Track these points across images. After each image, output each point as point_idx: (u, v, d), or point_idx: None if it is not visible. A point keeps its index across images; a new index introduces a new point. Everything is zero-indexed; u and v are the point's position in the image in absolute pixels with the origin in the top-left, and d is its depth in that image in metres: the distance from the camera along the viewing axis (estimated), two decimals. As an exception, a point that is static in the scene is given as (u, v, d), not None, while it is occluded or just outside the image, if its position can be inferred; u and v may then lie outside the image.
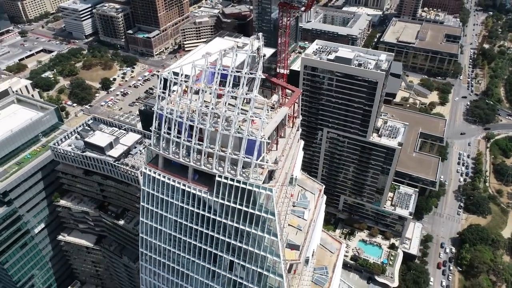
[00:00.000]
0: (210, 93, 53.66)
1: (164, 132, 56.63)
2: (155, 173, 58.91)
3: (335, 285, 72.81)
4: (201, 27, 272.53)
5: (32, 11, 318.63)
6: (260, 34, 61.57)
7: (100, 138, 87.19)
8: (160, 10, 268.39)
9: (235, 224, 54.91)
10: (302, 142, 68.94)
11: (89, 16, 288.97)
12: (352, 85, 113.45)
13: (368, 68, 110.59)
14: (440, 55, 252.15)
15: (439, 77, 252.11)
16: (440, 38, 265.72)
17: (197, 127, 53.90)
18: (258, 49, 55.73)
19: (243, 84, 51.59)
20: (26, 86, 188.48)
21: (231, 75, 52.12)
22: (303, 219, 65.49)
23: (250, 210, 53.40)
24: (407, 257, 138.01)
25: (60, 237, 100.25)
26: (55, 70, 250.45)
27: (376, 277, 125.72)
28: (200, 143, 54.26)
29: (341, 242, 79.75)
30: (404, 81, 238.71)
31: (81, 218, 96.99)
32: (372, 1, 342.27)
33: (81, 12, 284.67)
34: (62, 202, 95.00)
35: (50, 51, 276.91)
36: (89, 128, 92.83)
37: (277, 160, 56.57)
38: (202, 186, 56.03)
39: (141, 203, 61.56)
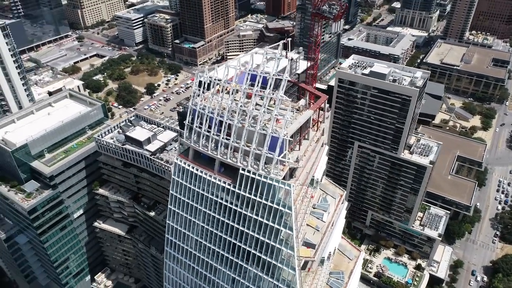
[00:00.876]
0: (241, 93, 57.98)
1: (196, 126, 61.39)
2: (185, 163, 63.63)
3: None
4: (244, 39, 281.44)
5: (90, 18, 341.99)
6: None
7: (139, 133, 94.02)
8: (207, 22, 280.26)
9: (254, 216, 58.23)
10: (327, 147, 71.45)
11: (140, 25, 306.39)
12: (385, 100, 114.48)
13: (403, 84, 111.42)
14: (486, 79, 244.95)
15: (484, 102, 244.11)
16: (487, 62, 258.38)
17: (226, 122, 58.24)
18: (286, 53, 59.22)
19: (270, 84, 55.45)
20: (78, 86, 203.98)
21: (260, 76, 56.21)
22: (322, 220, 67.58)
23: (269, 203, 56.59)
24: (434, 280, 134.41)
25: (96, 224, 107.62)
26: (105, 73, 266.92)
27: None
28: (228, 137, 58.45)
29: (360, 250, 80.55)
30: (445, 103, 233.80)
31: (116, 208, 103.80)
32: (418, 22, 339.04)
33: (133, 21, 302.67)
34: (101, 190, 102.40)
35: (102, 56, 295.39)
36: (130, 124, 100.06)
37: (299, 159, 59.61)
38: (227, 178, 60.00)
39: (170, 191, 66.37)
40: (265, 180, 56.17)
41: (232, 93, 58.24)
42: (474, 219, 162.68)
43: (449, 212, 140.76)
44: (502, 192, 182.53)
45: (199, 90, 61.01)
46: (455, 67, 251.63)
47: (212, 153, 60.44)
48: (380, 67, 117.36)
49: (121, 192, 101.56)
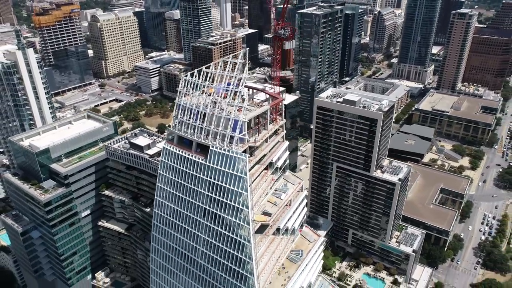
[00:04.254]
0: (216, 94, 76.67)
1: (180, 117, 79.76)
2: (171, 147, 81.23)
3: (306, 266, 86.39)
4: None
5: (112, 69, 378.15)
6: (298, 91, 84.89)
7: (141, 140, 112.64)
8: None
9: (220, 183, 74.23)
10: (287, 143, 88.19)
11: (157, 74, 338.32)
12: (357, 123, 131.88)
13: (371, 110, 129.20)
14: (475, 124, 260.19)
15: (473, 145, 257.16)
16: (476, 109, 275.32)
17: (201, 112, 76.55)
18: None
19: (233, 83, 74.18)
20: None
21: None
22: (280, 199, 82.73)
23: (231, 171, 72.84)
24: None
25: (100, 223, 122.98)
26: (122, 115, 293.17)
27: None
28: (202, 123, 76.40)
29: (319, 235, 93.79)
30: (435, 145, 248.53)
31: (118, 207, 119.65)
32: (414, 75, 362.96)
33: (151, 70, 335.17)
34: (107, 192, 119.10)
35: (120, 101, 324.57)
36: (135, 136, 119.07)
37: (256, 140, 76.65)
38: (201, 155, 76.98)
39: (159, 171, 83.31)
40: (228, 153, 73.03)
41: (209, 94, 77.10)
42: (456, 245, 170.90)
43: (424, 231, 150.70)
44: (487, 225, 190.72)
45: (185, 90, 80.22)
46: (445, 113, 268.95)
47: (191, 136, 78.16)
48: (352, 95, 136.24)
49: (123, 194, 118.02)
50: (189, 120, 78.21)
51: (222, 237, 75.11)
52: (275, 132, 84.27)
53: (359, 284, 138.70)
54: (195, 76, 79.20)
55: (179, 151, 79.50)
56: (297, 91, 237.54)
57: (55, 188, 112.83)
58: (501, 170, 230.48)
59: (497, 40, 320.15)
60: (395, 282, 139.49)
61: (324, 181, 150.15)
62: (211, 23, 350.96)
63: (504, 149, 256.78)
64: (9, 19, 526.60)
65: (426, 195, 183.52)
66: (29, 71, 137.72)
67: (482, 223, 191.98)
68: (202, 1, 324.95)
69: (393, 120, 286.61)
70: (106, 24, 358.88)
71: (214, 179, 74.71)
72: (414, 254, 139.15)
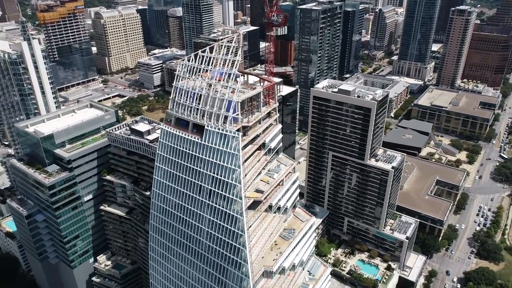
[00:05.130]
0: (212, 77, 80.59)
1: (177, 100, 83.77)
2: (169, 128, 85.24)
3: (298, 243, 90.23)
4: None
5: (115, 65, 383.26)
6: (297, 86, 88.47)
7: (141, 126, 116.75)
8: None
9: (215, 161, 78.10)
10: (280, 126, 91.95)
11: (159, 70, 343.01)
12: (352, 112, 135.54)
13: (365, 99, 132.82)
14: (473, 119, 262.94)
15: (471, 140, 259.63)
16: (474, 104, 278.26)
17: (197, 93, 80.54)
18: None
19: (227, 66, 78.07)
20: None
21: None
22: (273, 178, 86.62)
23: (225, 149, 76.75)
24: (406, 284, 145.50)
25: (102, 207, 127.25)
26: (124, 110, 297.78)
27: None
28: (198, 105, 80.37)
29: (311, 215, 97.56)
30: (432, 139, 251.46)
31: (119, 192, 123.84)
32: (414, 72, 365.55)
33: (153, 67, 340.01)
34: (108, 177, 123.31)
35: (123, 96, 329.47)
36: (136, 123, 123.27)
37: (249, 121, 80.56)
38: (197, 135, 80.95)
39: (157, 152, 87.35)
40: (222, 132, 76.95)
41: (205, 78, 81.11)
42: (451, 235, 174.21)
43: (418, 220, 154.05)
44: (482, 216, 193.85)
45: (182, 74, 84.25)
46: (443, 108, 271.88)
47: (187, 117, 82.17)
48: (347, 86, 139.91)
49: (124, 179, 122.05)
50: (186, 102, 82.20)
51: (216, 212, 79.04)
52: (268, 115, 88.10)
53: (354, 270, 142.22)
54: (192, 60, 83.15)
55: (177, 132, 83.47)
56: (296, 86, 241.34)
57: (58, 172, 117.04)
58: (497, 164, 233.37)
59: (496, 37, 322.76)
60: (388, 268, 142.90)
61: (320, 170, 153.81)
62: (213, 20, 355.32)
63: (502, 144, 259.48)
64: (14, 17, 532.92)
65: (422, 187, 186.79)
66: (34, 62, 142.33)
67: (478, 215, 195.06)
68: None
69: (392, 115, 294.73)
70: (110, 21, 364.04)
71: (209, 157, 78.62)
72: (407, 241, 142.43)
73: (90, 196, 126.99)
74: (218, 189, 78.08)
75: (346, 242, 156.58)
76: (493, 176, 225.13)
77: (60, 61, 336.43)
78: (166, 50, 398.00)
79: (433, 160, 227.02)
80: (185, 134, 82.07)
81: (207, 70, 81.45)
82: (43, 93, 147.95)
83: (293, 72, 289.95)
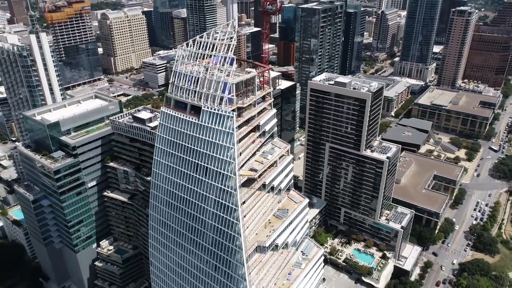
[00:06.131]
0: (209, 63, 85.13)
1: (176, 83, 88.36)
2: (168, 110, 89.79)
3: (291, 223, 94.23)
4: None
5: (121, 65, 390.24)
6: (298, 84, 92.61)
7: (144, 114, 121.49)
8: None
9: (211, 139, 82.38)
10: (274, 110, 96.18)
11: (163, 70, 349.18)
12: (347, 104, 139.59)
13: (360, 91, 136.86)
14: (472, 117, 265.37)
15: (471, 139, 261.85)
16: (474, 104, 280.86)
17: (195, 77, 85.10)
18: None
19: (222, 50, 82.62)
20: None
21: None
22: (267, 159, 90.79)
23: (221, 128, 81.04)
24: (402, 273, 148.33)
25: (105, 193, 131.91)
26: (129, 108, 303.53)
27: (363, 278, 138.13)
28: (196, 88, 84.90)
29: (304, 197, 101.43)
30: (432, 137, 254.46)
31: (122, 178, 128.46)
32: (415, 73, 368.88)
33: (158, 66, 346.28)
34: (111, 164, 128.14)
35: (128, 95, 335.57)
36: (139, 111, 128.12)
37: (244, 103, 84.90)
38: (195, 116, 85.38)
39: (158, 133, 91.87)
40: (218, 112, 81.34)
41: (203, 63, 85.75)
42: (447, 228, 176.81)
43: (413, 211, 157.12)
44: (479, 211, 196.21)
45: (182, 59, 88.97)
46: (443, 107, 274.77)
47: (185, 100, 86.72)
48: (343, 78, 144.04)
49: (126, 165, 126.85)
50: (184, 85, 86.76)
51: (212, 188, 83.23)
52: (263, 99, 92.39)
53: (349, 258, 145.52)
54: (191, 46, 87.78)
55: (175, 113, 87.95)
56: (298, 84, 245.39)
57: (64, 158, 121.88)
58: (496, 161, 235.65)
59: (497, 37, 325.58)
60: (384, 257, 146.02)
61: (318, 161, 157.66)
62: (217, 21, 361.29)
63: (501, 142, 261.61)
64: (22, 19, 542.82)
65: (419, 181, 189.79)
66: (42, 54, 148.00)
67: (475, 210, 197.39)
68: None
69: (393, 114, 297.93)
70: (116, 22, 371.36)
71: (206, 136, 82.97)
72: (402, 230, 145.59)
73: (94, 183, 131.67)
74: (214, 166, 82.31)
75: (342, 232, 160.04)
76: (492, 173, 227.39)
77: (66, 61, 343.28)
78: (171, 51, 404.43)
79: (432, 157, 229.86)
80: (184, 116, 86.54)
81: (205, 56, 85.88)
82: (50, 85, 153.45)
83: (295, 71, 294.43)
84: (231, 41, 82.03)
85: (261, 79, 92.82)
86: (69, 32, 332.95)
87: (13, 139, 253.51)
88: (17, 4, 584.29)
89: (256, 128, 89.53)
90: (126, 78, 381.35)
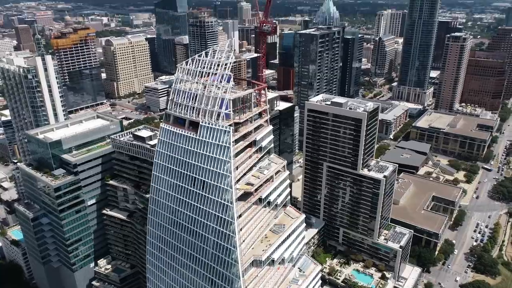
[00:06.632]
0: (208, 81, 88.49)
1: (176, 100, 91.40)
2: (167, 126, 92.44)
3: (287, 238, 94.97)
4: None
5: (124, 90, 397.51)
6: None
7: (144, 132, 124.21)
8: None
9: (208, 154, 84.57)
10: (271, 127, 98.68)
11: (165, 94, 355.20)
12: (344, 124, 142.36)
13: (356, 111, 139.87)
14: (470, 140, 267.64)
15: (470, 161, 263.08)
16: (472, 126, 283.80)
17: (193, 94, 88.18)
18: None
19: (220, 68, 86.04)
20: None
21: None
22: (263, 174, 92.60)
23: (218, 143, 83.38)
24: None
25: (104, 211, 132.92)
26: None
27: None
28: (194, 104, 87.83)
29: (300, 213, 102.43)
30: (430, 159, 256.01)
31: (121, 196, 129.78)
32: (413, 97, 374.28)
33: (159, 91, 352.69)
34: (111, 182, 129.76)
35: (130, 119, 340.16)
36: (139, 130, 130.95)
37: (240, 118, 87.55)
38: (193, 131, 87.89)
39: (157, 148, 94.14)
40: (215, 127, 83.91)
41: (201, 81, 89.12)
42: (447, 249, 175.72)
43: (412, 231, 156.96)
44: (479, 233, 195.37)
45: (181, 77, 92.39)
46: (441, 130, 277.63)
47: (184, 115, 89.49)
48: (339, 99, 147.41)
49: (126, 184, 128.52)
50: (183, 102, 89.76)
51: (209, 202, 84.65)
52: (260, 115, 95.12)
53: (348, 278, 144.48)
54: (189, 64, 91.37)
55: (174, 129, 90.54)
56: (296, 107, 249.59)
57: (64, 176, 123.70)
58: (495, 183, 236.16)
59: (492, 62, 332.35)
60: (383, 277, 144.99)
61: (316, 181, 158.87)
62: (217, 46, 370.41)
63: (500, 165, 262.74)
64: (29, 46, 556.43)
65: (418, 202, 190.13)
66: (47, 76, 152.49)
67: (475, 231, 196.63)
68: (209, 25, 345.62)
69: (391, 137, 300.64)
70: (119, 48, 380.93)
71: (203, 151, 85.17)
72: (401, 250, 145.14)
73: (93, 201, 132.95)
74: (211, 180, 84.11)
75: (341, 253, 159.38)
76: (491, 194, 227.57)
77: (70, 85, 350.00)
78: (173, 76, 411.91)
79: (431, 179, 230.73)
80: (182, 131, 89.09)
81: (203, 74, 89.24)
82: (53, 106, 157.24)
83: (294, 95, 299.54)
84: (229, 59, 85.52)
85: (258, 97, 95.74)
86: (73, 58, 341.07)
87: (15, 161, 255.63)
88: (24, 31, 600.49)
89: (253, 143, 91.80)
90: (129, 102, 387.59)
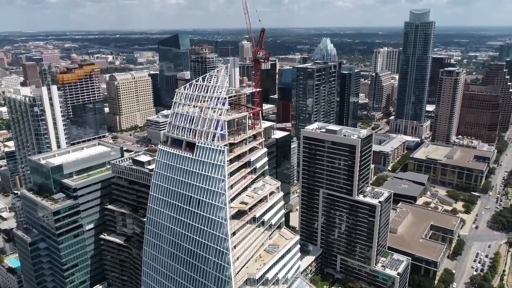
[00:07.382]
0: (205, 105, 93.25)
1: (174, 123, 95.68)
2: (165, 148, 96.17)
3: (282, 258, 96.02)
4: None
5: (125, 123, 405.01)
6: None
7: (143, 157, 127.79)
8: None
9: (204, 173, 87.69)
10: (265, 149, 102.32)
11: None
12: (339, 150, 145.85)
13: (351, 138, 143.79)
14: (468, 171, 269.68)
15: (468, 192, 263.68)
16: (469, 158, 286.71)
17: (191, 116, 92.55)
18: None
19: (216, 92, 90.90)
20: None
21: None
22: (257, 194, 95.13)
23: (213, 162, 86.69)
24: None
25: (101, 236, 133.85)
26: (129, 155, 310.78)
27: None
28: (191, 126, 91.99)
29: (295, 234, 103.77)
30: (428, 189, 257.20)
31: (119, 220, 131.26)
32: (410, 130, 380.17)
33: (161, 124, 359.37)
34: (110, 206, 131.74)
35: (130, 151, 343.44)
36: (138, 155, 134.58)
37: (235, 140, 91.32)
38: (190, 152, 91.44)
39: (154, 169, 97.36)
40: (211, 147, 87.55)
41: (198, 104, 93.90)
42: (447, 278, 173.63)
43: (410, 258, 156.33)
44: (479, 262, 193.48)
45: (179, 101, 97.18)
46: (438, 161, 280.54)
47: (182, 137, 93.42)
48: (334, 126, 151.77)
49: (124, 208, 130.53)
50: (181, 124, 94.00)
51: (203, 220, 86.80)
52: (254, 138, 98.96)
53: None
54: (187, 89, 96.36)
55: (172, 150, 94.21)
56: (294, 138, 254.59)
57: (64, 200, 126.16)
58: (494, 213, 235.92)
59: (486, 96, 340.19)
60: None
61: (313, 208, 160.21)
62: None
63: (498, 195, 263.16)
64: (35, 82, 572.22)
65: (416, 231, 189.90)
66: (51, 105, 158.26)
67: (475, 261, 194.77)
68: (210, 61, 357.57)
69: (389, 169, 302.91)
70: (123, 83, 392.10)
71: (199, 170, 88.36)
72: (399, 277, 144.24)
73: (91, 226, 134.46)
74: (206, 198, 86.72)
75: (339, 281, 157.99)
76: (490, 224, 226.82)
77: (73, 119, 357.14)
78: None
79: (429, 208, 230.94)
80: (179, 152, 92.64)
81: (200, 97, 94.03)
82: (56, 133, 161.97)
83: (292, 127, 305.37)
84: (224, 83, 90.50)
85: (252, 120, 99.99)
86: (78, 92, 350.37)
87: (16, 192, 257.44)
88: (31, 68, 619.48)
89: (247, 164, 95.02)
90: (130, 135, 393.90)
